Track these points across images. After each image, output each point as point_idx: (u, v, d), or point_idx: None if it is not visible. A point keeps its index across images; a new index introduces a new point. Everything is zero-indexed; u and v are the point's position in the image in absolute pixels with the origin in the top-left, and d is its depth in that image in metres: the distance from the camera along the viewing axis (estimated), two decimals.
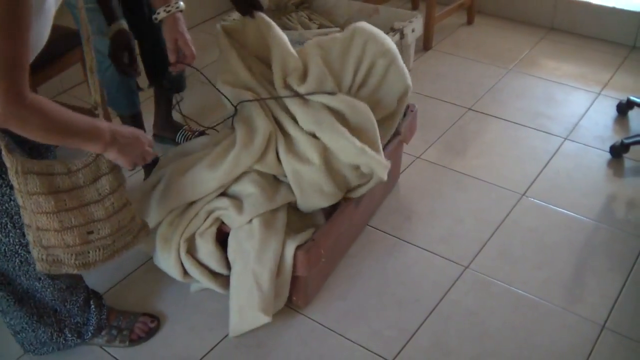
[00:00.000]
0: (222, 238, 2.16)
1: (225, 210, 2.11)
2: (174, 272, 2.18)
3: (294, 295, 2.17)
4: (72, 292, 1.99)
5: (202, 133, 2.91)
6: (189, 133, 2.97)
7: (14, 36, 1.39)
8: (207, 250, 2.14)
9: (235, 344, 2.11)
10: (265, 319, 2.08)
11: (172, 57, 2.06)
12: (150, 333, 2.15)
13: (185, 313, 2.23)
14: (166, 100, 2.95)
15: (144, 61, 2.73)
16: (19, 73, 1.42)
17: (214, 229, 2.13)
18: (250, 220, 2.08)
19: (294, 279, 2.11)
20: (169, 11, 1.98)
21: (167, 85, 2.82)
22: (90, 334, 2.08)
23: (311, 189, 2.13)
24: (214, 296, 2.24)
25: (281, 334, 2.13)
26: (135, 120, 2.71)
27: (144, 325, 2.15)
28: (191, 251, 2.16)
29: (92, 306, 2.07)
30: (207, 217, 2.14)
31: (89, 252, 1.77)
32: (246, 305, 2.08)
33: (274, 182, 2.19)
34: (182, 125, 2.99)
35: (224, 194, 2.16)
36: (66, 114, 1.56)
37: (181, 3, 2.00)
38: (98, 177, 1.71)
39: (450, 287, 2.28)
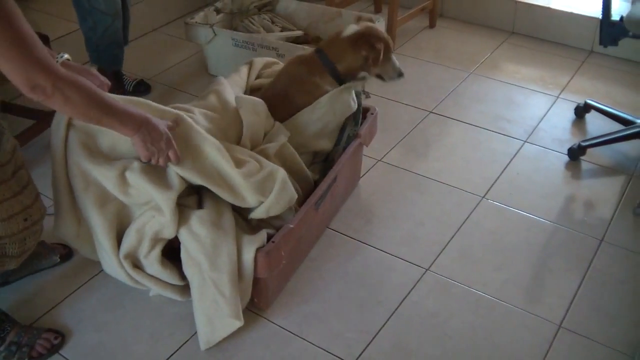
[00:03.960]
0: (171, 252, 2.14)
1: (153, 219, 2.06)
2: (124, 279, 2.15)
3: (255, 297, 2.17)
4: None
5: (141, 81, 3.42)
6: (130, 80, 3.37)
7: (12, 22, 1.52)
8: (154, 270, 2.12)
9: (196, 349, 2.10)
10: (237, 324, 2.08)
11: None
12: (53, 350, 2.10)
13: (145, 318, 2.21)
14: None
15: None
16: (38, 50, 1.57)
17: (157, 252, 2.09)
18: (194, 230, 2.05)
19: (255, 280, 2.10)
20: (57, 61, 1.96)
21: None
22: None
23: (212, 169, 2.09)
24: (174, 300, 2.22)
25: (243, 338, 2.13)
26: (118, 74, 3.22)
27: (46, 341, 2.10)
28: (139, 266, 2.13)
29: None
30: (141, 238, 2.07)
31: (25, 239, 1.92)
32: (214, 315, 2.07)
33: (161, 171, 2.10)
34: (123, 74, 3.35)
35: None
36: (105, 94, 1.77)
37: (65, 55, 2.01)
38: (17, 169, 1.86)
39: (411, 289, 2.30)
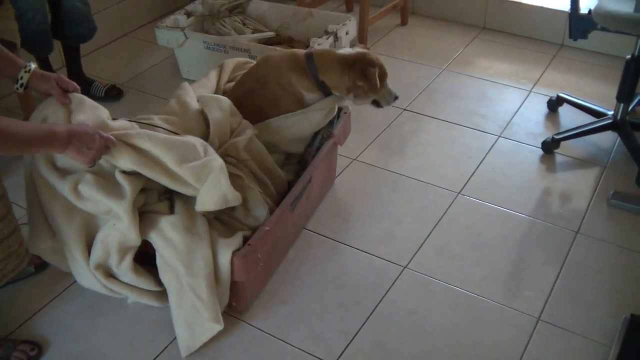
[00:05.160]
0: (146, 257, 2.12)
1: (114, 228, 2.03)
2: (99, 289, 2.12)
3: (234, 301, 2.16)
4: None
5: (113, 86, 3.45)
6: (101, 86, 3.43)
7: None
8: (129, 279, 2.10)
9: (176, 355, 2.08)
10: (217, 328, 2.07)
11: (65, 100, 2.05)
12: None
13: (123, 326, 2.19)
14: (75, 55, 3.39)
15: (53, 15, 3.17)
16: None
17: (128, 261, 2.06)
18: (168, 236, 2.04)
19: (232, 284, 2.09)
20: (29, 70, 1.99)
21: (72, 36, 3.26)
22: None
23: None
24: (152, 306, 2.20)
25: (223, 341, 2.11)
26: (46, 61, 3.31)
27: (22, 353, 2.07)
28: (113, 275, 2.11)
29: None
30: (107, 249, 2.05)
31: None
32: (194, 320, 2.06)
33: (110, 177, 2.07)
34: (94, 80, 3.45)
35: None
36: (21, 127, 1.73)
37: (33, 65, 2.02)
38: None
39: (389, 288, 2.30)
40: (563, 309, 2.20)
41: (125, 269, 2.07)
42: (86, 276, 2.09)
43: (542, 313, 2.19)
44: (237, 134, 2.33)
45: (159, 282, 2.12)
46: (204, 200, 2.08)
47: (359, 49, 2.43)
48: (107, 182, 2.02)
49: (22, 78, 1.98)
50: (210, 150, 2.14)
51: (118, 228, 2.02)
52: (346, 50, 2.42)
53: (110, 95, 3.41)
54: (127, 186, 2.01)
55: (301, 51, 2.46)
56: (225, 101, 2.37)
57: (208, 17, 3.61)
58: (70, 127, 1.86)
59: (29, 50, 3.17)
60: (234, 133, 2.34)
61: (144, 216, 2.11)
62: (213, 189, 2.07)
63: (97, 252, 2.06)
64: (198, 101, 2.40)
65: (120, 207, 1.99)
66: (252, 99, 2.45)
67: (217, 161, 2.08)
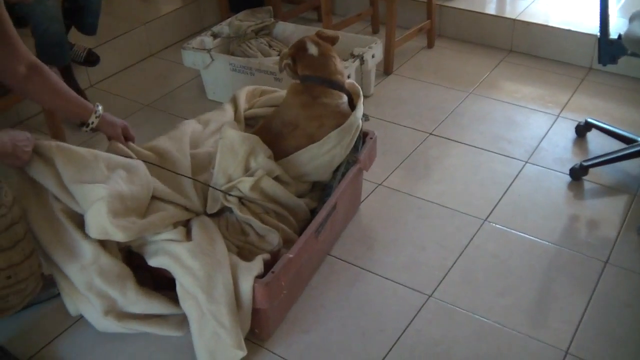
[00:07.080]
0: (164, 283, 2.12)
1: (83, 271, 2.04)
2: (118, 330, 2.14)
3: (256, 327, 2.13)
4: None
5: (91, 51, 3.58)
6: (80, 51, 3.56)
7: None
8: (142, 307, 2.11)
9: None
10: (240, 354, 2.04)
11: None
12: None
13: (145, 350, 2.17)
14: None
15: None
16: None
17: (132, 288, 2.08)
18: (187, 264, 2.04)
19: (255, 311, 2.07)
20: (99, 115, 2.23)
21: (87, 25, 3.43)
22: None
23: None
24: None
25: None
26: (67, 70, 3.37)
27: None
28: (123, 314, 2.11)
29: None
30: (99, 291, 2.06)
31: (8, 297, 1.91)
32: (216, 348, 2.03)
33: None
34: (73, 44, 3.54)
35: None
36: None
37: (100, 106, 2.25)
38: (10, 225, 1.86)
39: (414, 317, 2.26)
40: (592, 343, 2.15)
41: (134, 298, 2.08)
42: (101, 322, 2.11)
43: (570, 346, 2.14)
44: (251, 174, 2.32)
45: (175, 303, 2.11)
46: (88, 224, 2.02)
47: (306, 42, 2.57)
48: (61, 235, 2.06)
49: (92, 123, 2.21)
50: (117, 175, 2.11)
51: (87, 267, 2.04)
52: (310, 49, 2.52)
53: (90, 60, 3.58)
54: (89, 247, 2.04)
55: (295, 85, 2.52)
56: (241, 141, 2.34)
57: (234, 39, 3.62)
58: (9, 132, 1.90)
59: (44, 60, 3.21)
60: (248, 172, 2.33)
61: (160, 244, 2.11)
62: (92, 218, 2.00)
63: (95, 301, 2.06)
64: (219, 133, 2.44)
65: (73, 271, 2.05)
66: (286, 141, 2.43)
67: (100, 192, 2.01)
